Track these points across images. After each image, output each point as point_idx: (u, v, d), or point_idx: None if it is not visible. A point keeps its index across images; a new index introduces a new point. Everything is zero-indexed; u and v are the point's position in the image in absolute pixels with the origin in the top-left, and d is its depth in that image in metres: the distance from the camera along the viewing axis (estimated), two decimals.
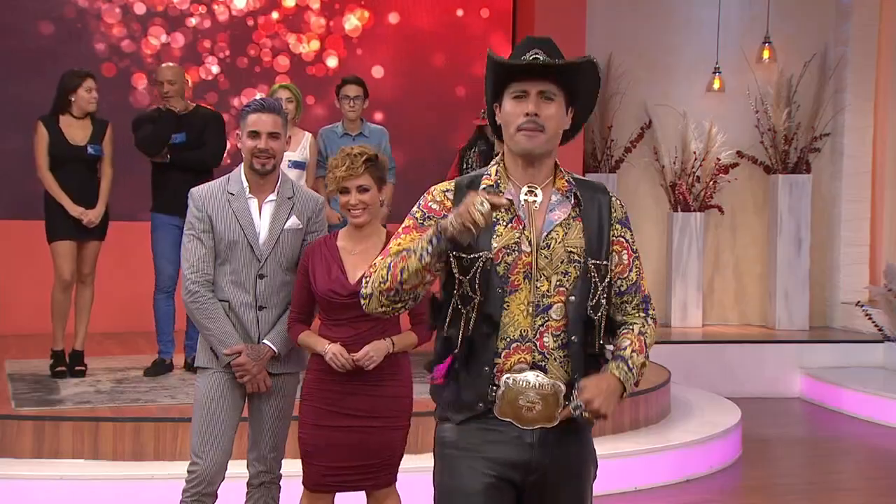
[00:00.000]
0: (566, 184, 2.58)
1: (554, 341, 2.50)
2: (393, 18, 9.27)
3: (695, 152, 9.65)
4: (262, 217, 3.78)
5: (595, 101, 2.62)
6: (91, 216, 6.17)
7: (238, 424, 3.85)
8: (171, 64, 6.74)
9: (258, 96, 6.69)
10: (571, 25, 9.13)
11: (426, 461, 4.96)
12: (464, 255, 2.48)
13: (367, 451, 3.67)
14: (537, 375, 2.48)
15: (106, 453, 5.17)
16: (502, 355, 2.49)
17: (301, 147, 6.42)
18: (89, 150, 6.19)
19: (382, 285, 2.48)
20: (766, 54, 9.73)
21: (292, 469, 4.05)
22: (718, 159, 9.69)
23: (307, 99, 8.84)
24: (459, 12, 9.40)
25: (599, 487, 5.63)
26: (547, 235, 2.51)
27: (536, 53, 2.50)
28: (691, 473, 6.10)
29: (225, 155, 8.73)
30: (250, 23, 8.96)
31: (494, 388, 2.49)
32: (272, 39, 9.00)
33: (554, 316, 2.50)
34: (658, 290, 9.91)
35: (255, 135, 3.74)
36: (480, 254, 2.48)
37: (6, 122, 8.13)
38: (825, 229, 10.02)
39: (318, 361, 3.69)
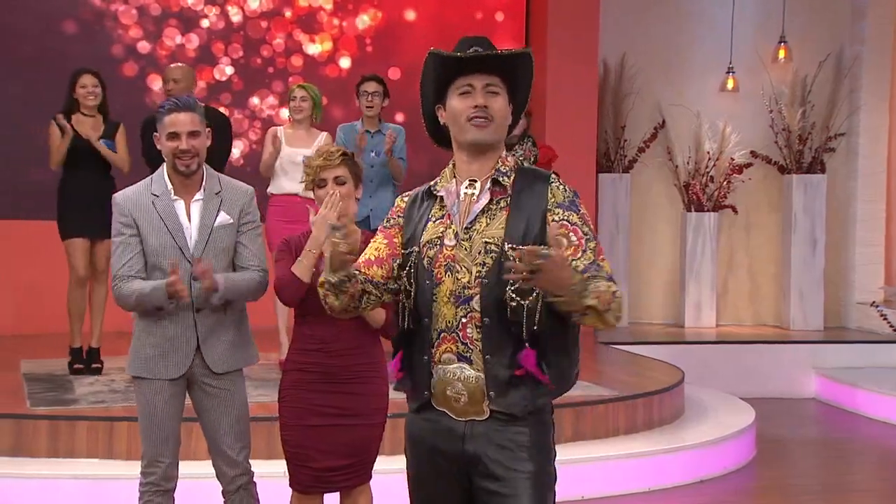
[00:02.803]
0: (495, 172, 2.62)
1: (477, 332, 2.54)
2: (406, 18, 9.27)
3: (708, 152, 9.63)
4: (192, 216, 3.71)
5: (528, 95, 2.68)
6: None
7: (181, 422, 3.80)
8: (180, 64, 6.78)
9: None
10: (585, 26, 9.13)
11: (400, 462, 5.00)
12: (404, 251, 2.64)
13: (352, 450, 3.68)
14: (462, 368, 2.55)
15: (120, 453, 5.19)
16: (434, 345, 2.58)
17: (315, 145, 6.43)
18: (102, 142, 6.25)
19: (336, 312, 2.68)
20: (781, 54, 9.70)
21: (273, 470, 4.07)
22: (732, 159, 9.67)
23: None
24: (479, 15, 9.40)
25: (613, 488, 5.68)
26: (469, 227, 2.58)
27: (476, 50, 2.58)
28: (705, 474, 6.08)
29: (238, 155, 8.79)
30: (264, 23, 8.98)
31: (432, 377, 2.59)
32: (285, 40, 9.02)
33: (475, 307, 2.54)
34: (672, 291, 9.90)
35: (174, 136, 3.66)
36: (413, 247, 2.63)
37: (25, 122, 8.17)
38: (840, 229, 9.99)
39: (296, 362, 3.70)
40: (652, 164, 9.84)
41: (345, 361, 3.64)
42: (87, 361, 6.35)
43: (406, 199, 2.74)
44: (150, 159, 6.33)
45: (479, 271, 2.54)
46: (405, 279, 2.62)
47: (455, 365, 2.56)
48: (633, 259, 9.74)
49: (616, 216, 9.61)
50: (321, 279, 2.64)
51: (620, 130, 9.70)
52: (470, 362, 2.55)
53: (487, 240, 2.55)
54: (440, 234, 2.60)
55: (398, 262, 2.65)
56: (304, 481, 3.70)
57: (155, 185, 3.74)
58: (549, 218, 2.55)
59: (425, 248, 2.60)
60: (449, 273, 2.57)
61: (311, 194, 3.80)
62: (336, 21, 9.13)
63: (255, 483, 3.84)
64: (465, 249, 2.57)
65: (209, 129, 3.79)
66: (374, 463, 3.78)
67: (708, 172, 9.65)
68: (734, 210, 9.79)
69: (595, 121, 9.33)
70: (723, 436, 6.34)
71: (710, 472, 6.11)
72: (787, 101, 9.69)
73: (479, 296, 2.53)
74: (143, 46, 8.70)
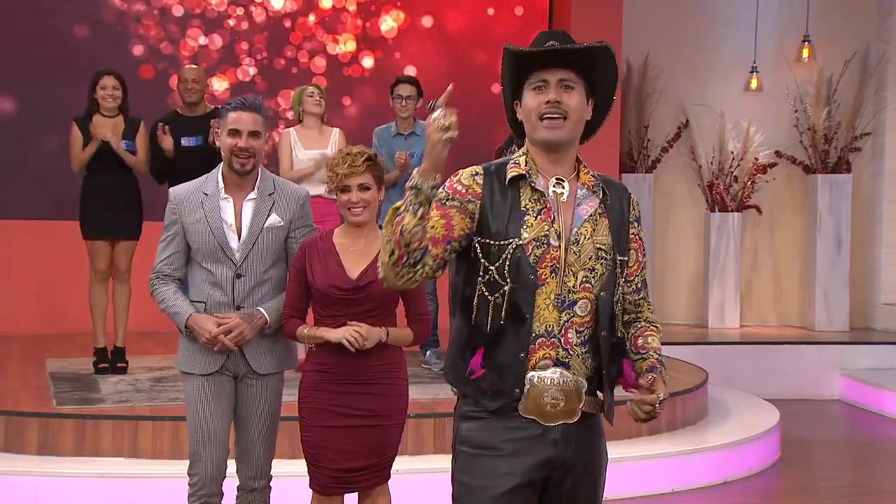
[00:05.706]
0: (592, 178, 2.60)
1: (577, 337, 2.51)
2: (427, 20, 9.27)
3: (732, 152, 9.59)
4: (244, 216, 3.71)
5: (615, 90, 2.60)
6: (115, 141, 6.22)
7: (231, 423, 3.79)
8: (193, 66, 6.86)
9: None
10: (608, 25, 9.09)
11: (422, 462, 5.06)
12: (492, 242, 2.49)
13: (373, 450, 3.68)
14: (562, 373, 2.49)
15: (145, 451, 5.22)
16: (529, 350, 2.49)
17: (331, 143, 6.47)
18: (123, 144, 6.28)
19: (392, 257, 2.43)
20: (805, 53, 9.64)
21: (294, 470, 4.06)
22: (756, 159, 9.62)
23: (343, 99, 8.89)
24: (490, 10, 9.38)
25: (637, 488, 5.66)
26: (577, 231, 2.53)
27: (553, 44, 2.52)
28: (729, 475, 6.06)
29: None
30: (287, 24, 9.00)
31: (524, 379, 2.49)
32: (309, 41, 9.04)
33: (579, 312, 2.51)
34: (695, 291, 9.86)
35: (235, 133, 3.67)
36: (510, 240, 2.49)
37: (47, 123, 8.23)
38: (865, 229, 9.91)
39: (315, 362, 3.68)
40: (675, 164, 9.80)
41: (365, 362, 3.63)
42: (111, 361, 6.40)
43: (477, 178, 2.55)
44: (156, 170, 6.34)
45: (587, 276, 2.51)
46: (494, 273, 2.49)
47: (551, 370, 2.49)
48: (656, 259, 9.70)
49: None
50: (409, 183, 2.42)
51: (644, 130, 9.67)
52: (568, 367, 2.51)
53: (599, 246, 2.54)
54: (546, 233, 2.50)
55: (462, 244, 2.50)
56: (324, 482, 3.70)
57: (208, 183, 3.77)
58: (630, 231, 2.62)
59: (531, 246, 2.49)
60: (554, 275, 2.49)
61: (324, 193, 3.80)
62: (359, 22, 9.14)
63: (270, 487, 3.85)
64: (574, 254, 2.51)
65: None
66: (393, 463, 3.78)
67: (732, 172, 9.60)
68: (758, 210, 9.73)
69: (618, 120, 9.31)
70: (747, 437, 6.31)
71: (734, 473, 6.08)
72: (812, 100, 9.63)
73: (585, 301, 2.51)
74: (166, 47, 8.74)
